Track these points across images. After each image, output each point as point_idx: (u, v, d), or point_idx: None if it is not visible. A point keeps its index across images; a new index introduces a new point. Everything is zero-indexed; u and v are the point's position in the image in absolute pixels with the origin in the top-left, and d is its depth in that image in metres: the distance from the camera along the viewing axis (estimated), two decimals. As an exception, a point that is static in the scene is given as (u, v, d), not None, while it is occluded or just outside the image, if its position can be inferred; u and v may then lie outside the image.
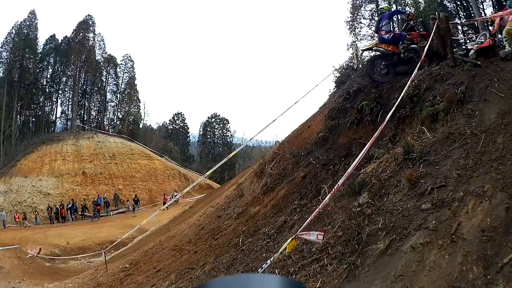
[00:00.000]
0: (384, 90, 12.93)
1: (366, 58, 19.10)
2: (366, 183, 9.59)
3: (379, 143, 11.16)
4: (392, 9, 16.85)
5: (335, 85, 19.35)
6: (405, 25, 14.74)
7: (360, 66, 17.89)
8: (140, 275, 16.27)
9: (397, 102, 10.50)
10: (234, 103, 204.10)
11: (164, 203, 47.14)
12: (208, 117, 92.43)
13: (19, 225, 49.49)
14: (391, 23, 14.67)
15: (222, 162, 24.76)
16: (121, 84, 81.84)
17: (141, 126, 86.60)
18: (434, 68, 12.07)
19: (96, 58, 76.52)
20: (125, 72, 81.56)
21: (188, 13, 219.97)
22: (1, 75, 70.32)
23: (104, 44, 78.58)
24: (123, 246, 33.44)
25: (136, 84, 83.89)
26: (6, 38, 70.23)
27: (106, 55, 79.35)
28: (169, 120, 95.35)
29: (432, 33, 12.21)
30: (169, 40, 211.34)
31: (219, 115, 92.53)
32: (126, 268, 18.73)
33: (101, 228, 40.76)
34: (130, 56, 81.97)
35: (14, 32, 70.22)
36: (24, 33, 70.29)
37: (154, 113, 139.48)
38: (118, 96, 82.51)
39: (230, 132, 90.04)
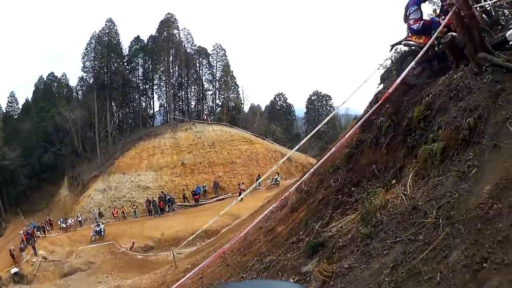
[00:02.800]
0: (403, 102, 10.10)
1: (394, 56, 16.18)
2: (323, 245, 8.38)
3: (385, 175, 9.20)
4: None
5: (379, 82, 16.41)
6: (440, 7, 11.75)
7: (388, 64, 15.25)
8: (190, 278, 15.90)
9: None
10: (335, 78, 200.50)
11: (240, 194, 46.02)
12: (310, 95, 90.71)
13: (118, 220, 51.13)
14: (420, 9, 10.93)
15: (309, 136, 23.69)
16: (216, 73, 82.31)
17: (242, 111, 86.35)
18: (457, 75, 8.71)
19: (187, 51, 77.39)
20: (218, 61, 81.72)
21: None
22: (89, 83, 74.02)
23: (191, 37, 79.55)
24: (215, 234, 33.22)
25: (231, 71, 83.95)
26: (87, 48, 73.35)
27: (196, 47, 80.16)
28: (271, 101, 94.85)
29: (453, 23, 9.13)
30: (261, 20, 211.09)
31: (320, 92, 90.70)
32: (188, 269, 19.16)
33: (197, 217, 40.39)
34: (220, 45, 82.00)
35: (94, 42, 73.02)
36: (105, 41, 72.85)
37: (255, 96, 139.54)
38: (215, 84, 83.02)
39: (333, 108, 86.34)
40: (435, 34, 9.39)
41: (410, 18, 10.75)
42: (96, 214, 52.11)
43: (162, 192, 53.37)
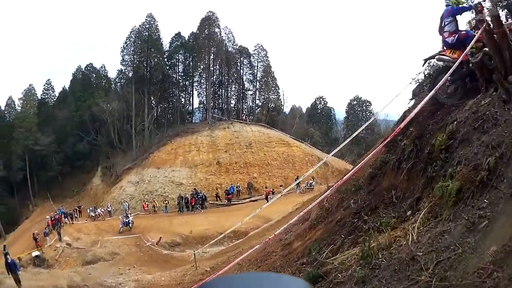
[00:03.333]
0: (429, 125, 9.19)
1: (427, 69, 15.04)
2: (323, 277, 7.93)
3: (402, 204, 8.52)
4: (459, 4, 10.98)
5: (411, 97, 15.50)
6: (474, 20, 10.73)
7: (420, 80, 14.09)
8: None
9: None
10: (376, 83, 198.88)
11: (267, 197, 45.63)
12: (351, 100, 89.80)
13: (148, 213, 51.19)
14: (456, 21, 10.27)
15: (345, 142, 23.29)
16: (257, 73, 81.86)
17: (281, 112, 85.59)
18: (485, 100, 7.74)
19: (228, 50, 77.34)
20: (259, 61, 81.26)
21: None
22: (128, 76, 74.51)
23: (233, 36, 79.27)
24: (244, 235, 32.86)
25: (272, 72, 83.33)
26: (126, 42, 73.84)
27: (237, 47, 79.92)
28: (311, 104, 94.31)
29: (484, 43, 8.29)
30: (304, 23, 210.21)
31: (360, 98, 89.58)
32: (207, 271, 19.24)
33: (228, 217, 39.93)
34: (262, 46, 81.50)
35: (133, 36, 73.46)
36: (145, 36, 73.25)
37: (295, 98, 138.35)
38: (256, 84, 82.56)
39: (372, 114, 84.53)
40: (467, 49, 8.44)
41: (445, 30, 9.81)
42: (126, 206, 52.16)
43: (194, 189, 52.97)
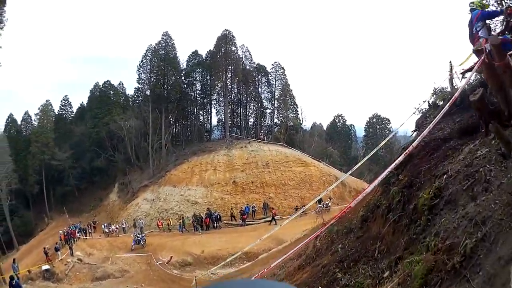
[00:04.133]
0: (421, 172, 8.24)
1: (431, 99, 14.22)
2: None
3: (383, 261, 7.96)
4: (486, 8, 9.70)
5: (414, 128, 14.33)
6: (504, 23, 9.88)
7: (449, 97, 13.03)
8: None
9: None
10: (395, 101, 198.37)
11: (273, 218, 46.84)
12: (370, 118, 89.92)
13: (162, 231, 51.15)
14: (487, 25, 8.88)
15: (361, 162, 22.93)
16: (275, 91, 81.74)
17: (299, 131, 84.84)
18: (481, 151, 6.67)
19: (245, 68, 77.23)
20: (277, 80, 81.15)
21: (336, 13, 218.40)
22: (145, 94, 75.54)
23: (250, 54, 79.11)
24: (255, 257, 32.79)
25: (291, 90, 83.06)
26: (142, 61, 74.04)
27: (255, 65, 79.95)
28: (330, 123, 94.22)
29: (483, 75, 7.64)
30: (323, 41, 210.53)
31: (379, 115, 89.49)
32: None
33: (241, 238, 39.62)
34: (279, 64, 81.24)
35: (149, 55, 73.71)
36: (162, 54, 73.38)
37: (314, 116, 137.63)
38: (274, 102, 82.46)
39: (391, 131, 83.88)
40: (465, 82, 7.61)
41: (479, 36, 8.85)
42: (142, 223, 51.95)
43: (208, 208, 53.07)
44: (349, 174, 50.08)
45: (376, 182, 9.67)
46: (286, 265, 15.56)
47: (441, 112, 7.95)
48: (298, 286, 11.12)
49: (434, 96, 14.39)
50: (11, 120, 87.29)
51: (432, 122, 8.13)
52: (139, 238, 41.54)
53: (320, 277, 10.28)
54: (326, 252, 12.08)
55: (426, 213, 6.72)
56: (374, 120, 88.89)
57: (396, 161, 8.52)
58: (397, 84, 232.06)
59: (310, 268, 12.07)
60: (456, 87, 13.40)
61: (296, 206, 49.99)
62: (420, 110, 14.78)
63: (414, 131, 13.80)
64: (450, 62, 14.82)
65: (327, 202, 45.08)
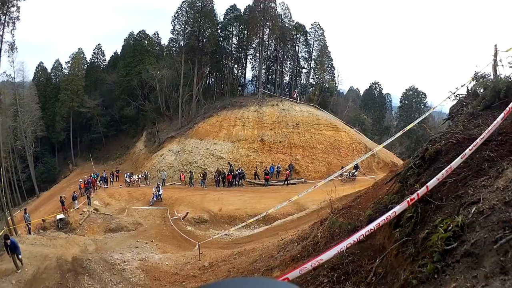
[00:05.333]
0: (447, 183, 6.52)
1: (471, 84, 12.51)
2: None
3: None
4: None
5: (448, 115, 12.81)
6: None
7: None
8: (207, 278, 17.22)
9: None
10: (433, 76, 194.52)
11: (286, 180, 46.99)
12: (406, 90, 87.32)
13: (184, 184, 50.95)
14: None
15: (395, 136, 21.95)
16: (312, 52, 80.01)
17: (334, 94, 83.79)
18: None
19: (284, 26, 75.43)
20: (315, 40, 79.39)
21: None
22: (180, 45, 74.11)
23: (289, 12, 76.95)
24: (272, 220, 32.44)
25: (329, 52, 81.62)
26: (177, 12, 72.71)
27: (294, 23, 77.93)
28: (366, 89, 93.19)
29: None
30: (364, 4, 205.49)
31: (416, 88, 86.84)
32: (205, 266, 19.34)
33: (262, 199, 39.35)
34: (319, 24, 79.41)
35: (186, 6, 72.16)
36: (198, 6, 71.89)
37: (349, 81, 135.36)
38: (311, 63, 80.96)
39: (426, 107, 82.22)
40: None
41: None
42: (165, 175, 52.52)
43: (228, 162, 53.27)
44: (379, 145, 49.17)
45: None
46: (286, 248, 14.76)
47: (492, 125, 6.47)
48: None
49: (474, 82, 12.76)
50: (40, 68, 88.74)
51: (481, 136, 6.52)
52: (158, 193, 41.10)
53: (308, 281, 9.33)
54: (323, 248, 10.93)
55: (436, 258, 5.07)
56: (411, 92, 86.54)
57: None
58: (438, 59, 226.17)
59: (303, 265, 10.89)
60: (500, 75, 11.91)
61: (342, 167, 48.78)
62: (456, 96, 13.24)
63: (447, 119, 12.30)
64: (496, 46, 13.21)
65: (353, 171, 43.97)
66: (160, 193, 41.07)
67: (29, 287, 18.18)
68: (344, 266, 8.42)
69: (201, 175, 51.22)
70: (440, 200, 6.21)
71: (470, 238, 4.65)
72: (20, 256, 19.79)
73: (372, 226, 5.21)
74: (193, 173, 52.84)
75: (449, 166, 5.80)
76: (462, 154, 5.77)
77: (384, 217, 5.24)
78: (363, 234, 5.99)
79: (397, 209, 5.48)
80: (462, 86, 13.01)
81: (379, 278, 6.77)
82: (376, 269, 7.18)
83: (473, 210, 5.07)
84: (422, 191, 5.70)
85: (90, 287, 17.82)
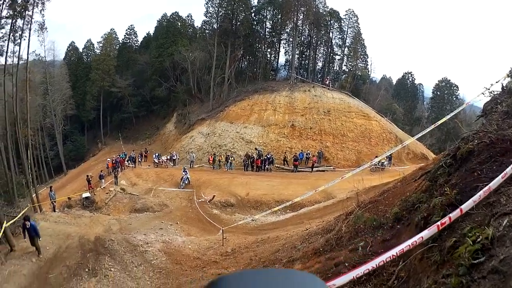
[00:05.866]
0: (479, 188, 5.89)
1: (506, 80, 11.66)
2: None
3: None
4: None
5: (481, 112, 11.88)
6: None
7: None
8: (228, 265, 16.80)
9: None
10: (466, 68, 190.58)
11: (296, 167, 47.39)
12: (439, 81, 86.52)
13: (212, 167, 50.86)
14: None
15: (429, 129, 21.55)
16: (346, 38, 79.20)
17: (366, 82, 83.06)
18: None
19: (318, 11, 74.37)
20: (350, 27, 78.52)
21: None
22: (214, 28, 73.61)
23: (324, -3, 75.97)
24: (299, 207, 31.88)
25: (363, 39, 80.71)
26: None
27: (328, 9, 76.88)
28: (398, 79, 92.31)
29: None
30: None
31: (449, 80, 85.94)
32: (228, 252, 19.11)
33: (290, 185, 39.07)
34: (353, 11, 78.28)
35: None
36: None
37: (382, 70, 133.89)
38: (344, 50, 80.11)
39: (458, 99, 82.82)
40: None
41: None
42: (193, 157, 52.59)
43: (256, 148, 52.82)
44: (410, 136, 48.23)
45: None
46: (310, 240, 14.29)
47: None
48: None
49: (510, 79, 11.99)
50: (72, 48, 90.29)
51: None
52: (186, 177, 40.85)
53: (328, 279, 8.54)
54: (347, 244, 10.58)
55: (462, 271, 4.62)
56: (443, 84, 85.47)
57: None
58: (472, 52, 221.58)
59: (324, 260, 10.66)
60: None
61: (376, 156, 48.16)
62: (490, 92, 12.49)
63: (480, 116, 11.61)
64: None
65: (383, 161, 43.23)
66: (187, 176, 40.86)
67: (50, 265, 18.12)
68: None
69: (231, 159, 51.26)
70: (470, 206, 5.67)
71: (499, 253, 4.25)
72: (40, 240, 19.44)
73: (395, 252, 4.66)
74: (216, 155, 52.96)
75: (487, 187, 5.19)
76: (503, 173, 5.15)
77: (409, 242, 4.71)
78: (390, 256, 5.45)
79: (425, 234, 4.93)
80: (497, 82, 12.26)
81: (401, 282, 6.42)
82: (399, 272, 6.78)
83: (504, 222, 4.64)
84: (455, 215, 5.12)
85: (110, 268, 17.68)
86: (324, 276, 9.08)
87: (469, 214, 5.46)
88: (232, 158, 51.86)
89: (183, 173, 41.27)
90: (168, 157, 54.04)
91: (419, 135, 23.03)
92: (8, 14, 31.57)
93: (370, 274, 7.40)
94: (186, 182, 40.58)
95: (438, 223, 5.06)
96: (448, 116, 23.99)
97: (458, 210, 5.17)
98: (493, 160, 6.40)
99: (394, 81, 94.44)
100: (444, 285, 4.87)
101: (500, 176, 5.15)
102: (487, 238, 4.49)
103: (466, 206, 5.20)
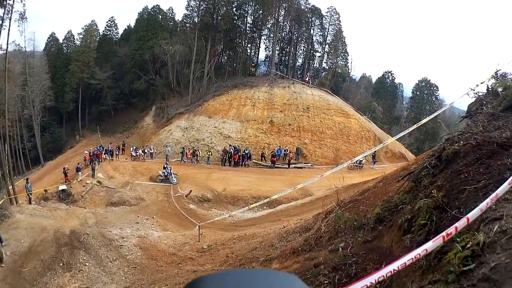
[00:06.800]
0: (466, 191, 5.97)
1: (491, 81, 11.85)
2: None
3: None
4: None
5: (465, 113, 12.26)
6: None
7: None
8: (204, 261, 16.89)
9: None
10: (446, 69, 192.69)
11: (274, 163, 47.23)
12: (419, 81, 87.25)
13: (189, 162, 50.51)
14: None
15: (411, 128, 21.76)
16: (327, 36, 79.36)
17: (346, 80, 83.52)
18: None
19: (300, 8, 74.53)
20: (331, 24, 78.56)
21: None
22: (194, 21, 73.46)
23: (306, -6, 76.15)
24: (276, 204, 31.80)
25: (343, 37, 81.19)
26: None
27: (310, 6, 76.91)
28: (378, 78, 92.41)
29: None
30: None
31: (429, 80, 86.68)
32: (204, 249, 19.11)
33: (267, 181, 39.17)
34: (335, 9, 78.29)
35: None
36: (213, -18, 71.22)
37: (362, 68, 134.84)
38: (325, 47, 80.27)
39: (438, 100, 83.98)
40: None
41: None
42: (168, 151, 52.50)
43: (231, 145, 52.69)
44: (389, 135, 48.41)
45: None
46: (287, 238, 14.29)
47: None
48: None
49: (494, 80, 12.16)
50: (52, 38, 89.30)
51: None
52: (167, 173, 40.42)
53: (307, 280, 8.75)
54: (326, 244, 10.59)
55: (451, 279, 4.51)
56: (423, 84, 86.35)
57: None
58: (452, 53, 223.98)
59: (303, 260, 10.65)
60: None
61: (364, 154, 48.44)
62: (475, 93, 12.64)
63: (464, 117, 11.78)
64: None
65: (360, 159, 43.51)
66: (168, 172, 40.46)
67: (24, 259, 17.91)
68: (347, 268, 7.98)
69: (209, 153, 51.68)
70: (458, 210, 5.68)
71: (490, 260, 4.09)
72: (3, 244, 18.24)
73: (396, 266, 4.56)
74: (196, 150, 52.48)
75: (494, 194, 5.15)
76: (510, 179, 5.10)
77: (412, 255, 4.63)
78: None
79: (429, 246, 4.83)
80: (481, 83, 12.44)
81: (383, 286, 6.18)
82: (379, 278, 6.59)
83: (495, 228, 4.52)
84: (461, 224, 5.03)
85: (85, 263, 17.56)
86: (303, 277, 8.95)
87: (456, 218, 5.31)
88: (210, 153, 51.82)
89: (164, 170, 40.80)
90: (146, 151, 53.73)
91: (401, 134, 23.25)
92: (-12, 3, 31.15)
93: (351, 276, 7.45)
94: (161, 177, 40.14)
95: (444, 233, 4.89)
96: (431, 116, 24.21)
97: (464, 220, 5.11)
98: (480, 162, 6.35)
99: (374, 80, 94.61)
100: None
101: (507, 183, 5.14)
102: (477, 244, 4.41)
103: (472, 215, 5.08)
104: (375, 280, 4.46)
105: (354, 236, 9.61)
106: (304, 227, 14.34)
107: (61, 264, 17.36)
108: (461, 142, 7.29)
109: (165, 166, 41.50)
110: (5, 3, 32.23)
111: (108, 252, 18.77)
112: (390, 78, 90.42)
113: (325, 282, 8.01)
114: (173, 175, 39.90)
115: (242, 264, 14.01)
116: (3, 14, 32.49)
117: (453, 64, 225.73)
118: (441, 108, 44.89)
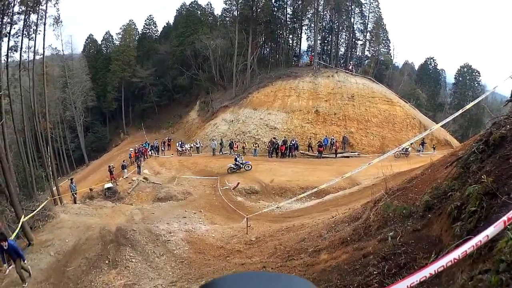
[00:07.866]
0: None
1: None
2: None
3: None
4: None
5: (510, 96, 11.25)
6: None
7: None
8: (252, 254, 16.43)
9: None
10: (486, 54, 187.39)
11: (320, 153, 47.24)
12: (461, 66, 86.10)
13: (236, 154, 49.55)
14: None
15: (456, 114, 21.06)
16: (368, 23, 78.63)
17: (389, 67, 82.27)
18: None
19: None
20: (371, 12, 77.76)
21: None
22: (234, 15, 73.05)
23: (346, -18, 75.02)
24: (324, 194, 31.01)
25: (384, 24, 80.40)
26: None
27: (350, -6, 75.68)
28: (421, 64, 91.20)
29: None
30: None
31: (471, 66, 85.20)
32: (252, 241, 18.66)
33: (315, 171, 38.67)
34: (374, -5, 77.01)
35: None
36: (251, -25, 70.91)
37: (405, 55, 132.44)
38: (366, 35, 79.55)
39: (480, 85, 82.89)
40: None
41: None
42: (214, 144, 52.94)
43: (275, 138, 52.29)
44: (434, 122, 46.99)
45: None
46: (336, 228, 13.90)
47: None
48: (331, 269, 9.82)
49: None
50: (90, 40, 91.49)
51: None
52: (240, 163, 40.21)
53: (356, 271, 8.63)
54: (375, 233, 10.27)
55: (502, 268, 4.40)
56: (465, 69, 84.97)
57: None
58: (494, 38, 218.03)
59: (352, 250, 10.35)
60: None
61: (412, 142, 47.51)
62: None
63: (509, 101, 10.94)
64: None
65: (407, 147, 42.42)
66: (242, 162, 40.61)
67: (68, 258, 17.85)
68: (396, 257, 7.72)
69: (256, 145, 51.75)
70: (507, 195, 5.33)
71: None
72: (25, 263, 16.06)
73: (457, 255, 3.97)
74: (241, 143, 52.82)
75: None
76: None
77: (473, 242, 4.04)
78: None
79: (491, 232, 4.26)
80: None
81: (433, 276, 5.62)
82: (431, 265, 6.02)
83: None
84: None
85: (131, 259, 17.34)
86: (352, 267, 8.79)
87: (506, 204, 5.12)
88: (256, 144, 51.74)
89: (236, 162, 40.48)
90: (192, 145, 54.10)
91: (446, 120, 22.29)
92: (20, 9, 31.30)
93: (400, 267, 7.20)
94: (234, 169, 40.01)
95: (505, 217, 4.40)
96: (476, 101, 23.24)
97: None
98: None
99: (416, 67, 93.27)
100: (481, 282, 4.60)
101: None
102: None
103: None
104: (435, 271, 4.08)
105: (403, 224, 9.35)
106: (353, 216, 14.01)
107: (106, 262, 17.21)
108: (508, 126, 7.03)
109: (236, 157, 41.42)
110: (37, 8, 32.38)
111: (155, 247, 18.56)
112: (433, 65, 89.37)
113: (375, 272, 7.77)
114: (246, 163, 40.36)
115: (290, 255, 13.59)
116: (37, 20, 32.78)
117: (493, 48, 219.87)
118: (484, 93, 43.50)
